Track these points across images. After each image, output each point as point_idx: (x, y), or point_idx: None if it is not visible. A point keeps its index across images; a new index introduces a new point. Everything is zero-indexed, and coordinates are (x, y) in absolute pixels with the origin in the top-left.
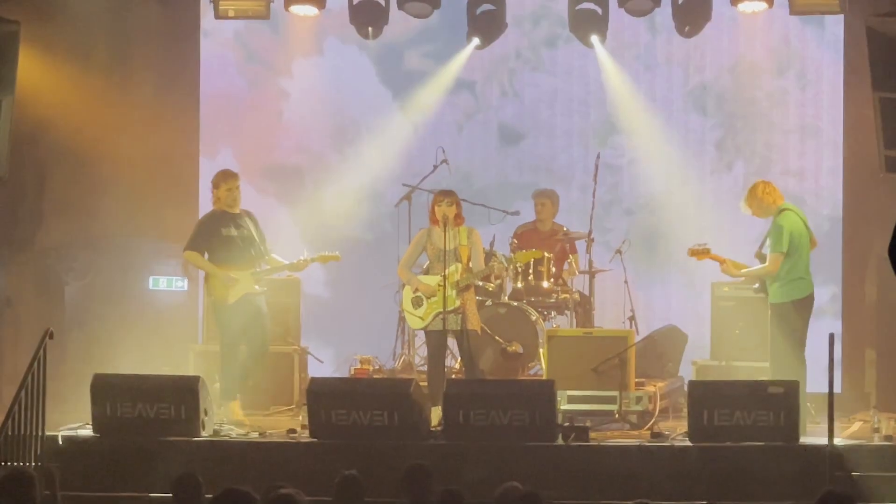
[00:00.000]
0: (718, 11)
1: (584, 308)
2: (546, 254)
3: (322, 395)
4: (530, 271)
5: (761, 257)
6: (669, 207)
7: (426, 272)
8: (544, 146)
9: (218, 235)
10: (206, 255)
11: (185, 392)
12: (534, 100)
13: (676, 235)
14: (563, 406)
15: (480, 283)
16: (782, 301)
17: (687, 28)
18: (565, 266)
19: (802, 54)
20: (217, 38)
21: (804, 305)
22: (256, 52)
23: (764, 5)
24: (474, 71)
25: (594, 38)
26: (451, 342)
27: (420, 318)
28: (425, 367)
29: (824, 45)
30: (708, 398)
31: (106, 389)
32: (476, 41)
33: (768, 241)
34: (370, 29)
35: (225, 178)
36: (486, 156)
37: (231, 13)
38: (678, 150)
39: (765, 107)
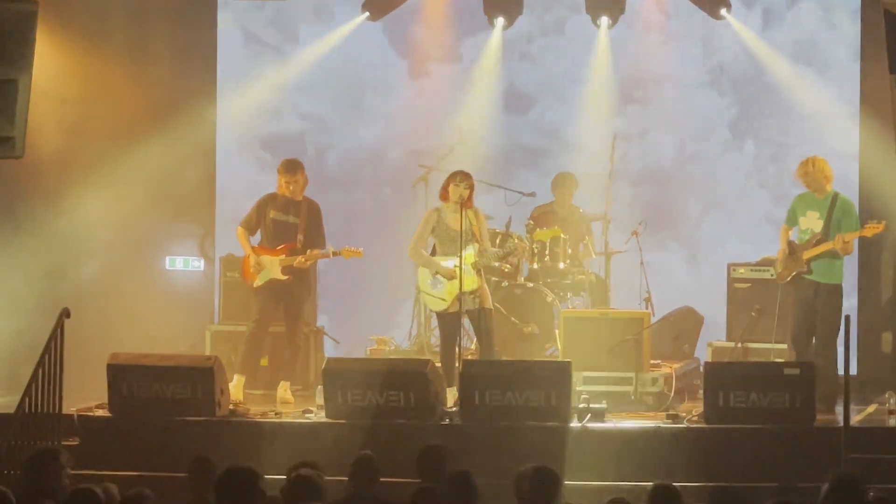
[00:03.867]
0: None
1: (599, 289)
2: (562, 235)
3: (338, 376)
4: (546, 252)
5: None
6: (677, 180)
7: (433, 252)
8: (557, 113)
9: (265, 217)
10: (260, 236)
11: (201, 372)
12: (548, 67)
13: (682, 208)
14: (579, 387)
15: (496, 264)
16: (840, 283)
17: (707, 10)
18: (581, 248)
19: (819, 37)
20: (235, 16)
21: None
22: (267, 23)
23: None
24: (487, 37)
25: (603, 20)
26: (466, 322)
27: (442, 299)
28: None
29: (841, 28)
30: (724, 380)
31: (122, 369)
32: (502, 21)
33: (843, 221)
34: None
35: (284, 171)
36: (498, 121)
37: None
38: (691, 126)
39: (781, 89)
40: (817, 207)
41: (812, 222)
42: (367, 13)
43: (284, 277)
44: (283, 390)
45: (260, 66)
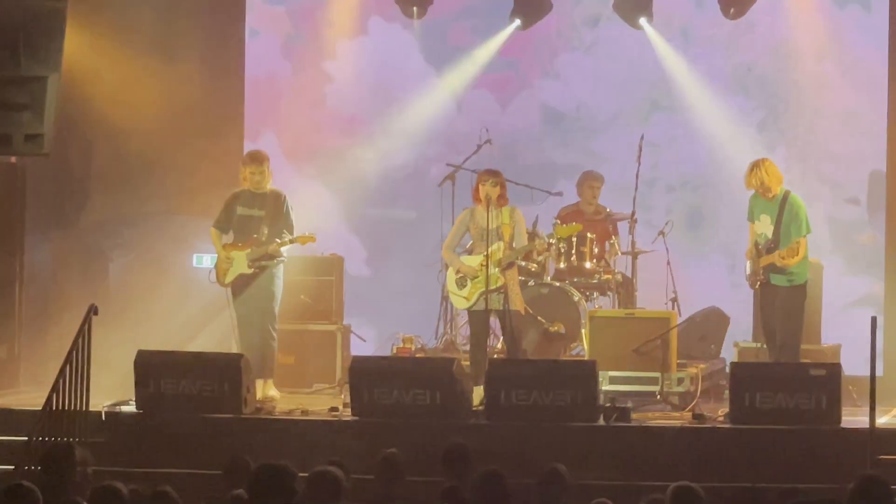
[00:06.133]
0: None
1: (626, 289)
2: (589, 234)
3: (364, 374)
4: (573, 252)
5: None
6: (710, 186)
7: (470, 252)
8: (586, 125)
9: (233, 213)
10: (231, 233)
11: (228, 369)
12: (575, 79)
13: (717, 214)
14: (605, 387)
15: (523, 263)
16: (802, 283)
17: (732, 10)
18: (607, 247)
19: (846, 38)
20: (261, 18)
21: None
22: (300, 32)
23: None
24: (517, 49)
25: (642, 20)
26: (494, 322)
27: (465, 298)
28: (468, 347)
29: (868, 29)
30: (750, 380)
31: (149, 366)
32: (517, 22)
33: (791, 226)
34: (415, 8)
35: (250, 161)
36: (529, 135)
37: None
38: (720, 130)
39: (808, 90)
40: (768, 211)
41: (765, 227)
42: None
43: (250, 271)
44: (266, 387)
45: (290, 70)
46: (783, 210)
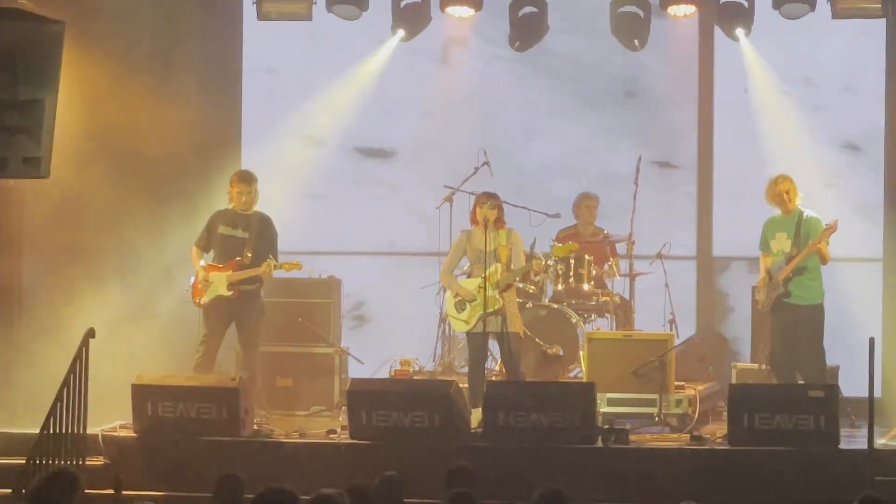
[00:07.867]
0: (762, 16)
1: (624, 311)
2: (587, 256)
3: (362, 396)
4: (571, 274)
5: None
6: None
7: (468, 275)
8: (589, 143)
9: (215, 232)
10: (212, 253)
11: (225, 392)
12: (578, 90)
13: None
14: (603, 409)
15: (521, 285)
16: (821, 301)
17: (733, 30)
18: (605, 269)
19: (845, 60)
20: (260, 36)
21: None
22: (301, 48)
23: (807, 8)
24: (524, 61)
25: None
26: (493, 344)
27: (464, 321)
28: (466, 369)
29: (867, 50)
30: (748, 402)
31: (147, 389)
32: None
33: (811, 236)
34: (403, 31)
35: (238, 181)
36: (532, 147)
37: (274, 15)
38: (722, 157)
39: (807, 115)
40: (785, 228)
41: (782, 243)
42: (401, 34)
43: (229, 294)
44: None
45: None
46: (800, 226)
